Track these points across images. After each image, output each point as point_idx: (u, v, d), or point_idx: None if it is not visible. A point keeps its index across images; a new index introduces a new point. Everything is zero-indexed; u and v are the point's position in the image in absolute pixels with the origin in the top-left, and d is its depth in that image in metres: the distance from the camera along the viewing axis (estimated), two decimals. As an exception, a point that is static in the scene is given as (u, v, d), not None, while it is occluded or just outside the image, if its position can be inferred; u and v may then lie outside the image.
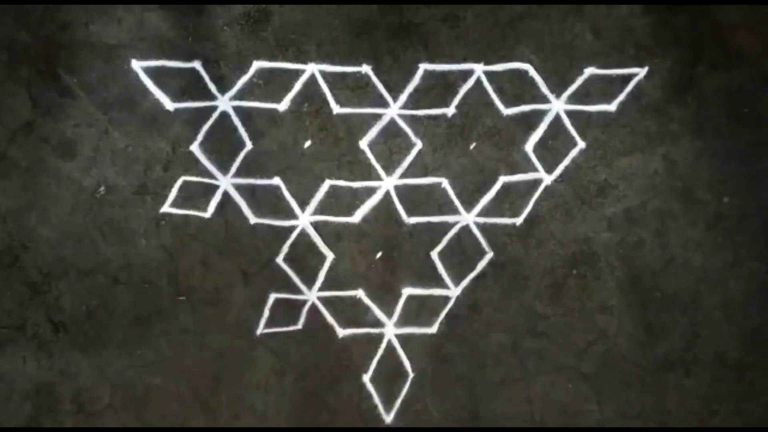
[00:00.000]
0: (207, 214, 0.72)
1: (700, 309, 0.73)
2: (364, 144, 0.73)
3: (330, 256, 0.73)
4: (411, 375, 0.72)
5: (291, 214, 0.73)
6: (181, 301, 0.72)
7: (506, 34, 0.73)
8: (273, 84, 0.73)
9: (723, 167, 0.73)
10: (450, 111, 0.73)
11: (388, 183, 0.73)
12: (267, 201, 0.73)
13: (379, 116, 0.73)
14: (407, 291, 0.73)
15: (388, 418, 0.72)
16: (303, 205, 0.73)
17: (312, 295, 0.73)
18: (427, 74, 0.73)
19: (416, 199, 0.73)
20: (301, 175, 0.73)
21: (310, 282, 0.73)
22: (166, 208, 0.72)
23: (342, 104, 0.73)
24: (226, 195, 0.72)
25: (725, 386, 0.73)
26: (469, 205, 0.73)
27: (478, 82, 0.73)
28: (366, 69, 0.73)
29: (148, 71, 0.72)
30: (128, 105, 0.72)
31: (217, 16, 0.72)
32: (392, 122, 0.73)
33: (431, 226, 0.73)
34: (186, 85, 0.72)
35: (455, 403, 0.73)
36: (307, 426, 0.72)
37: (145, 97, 0.72)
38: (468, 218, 0.73)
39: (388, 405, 0.72)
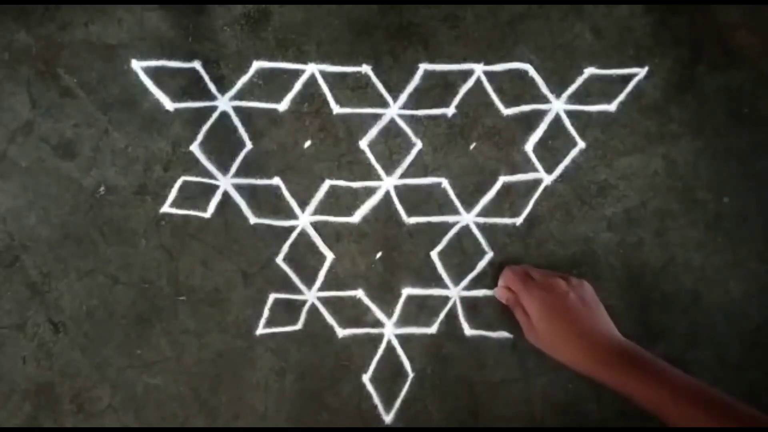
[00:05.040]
0: (207, 214, 0.72)
1: (700, 309, 0.73)
2: (364, 144, 0.73)
3: (330, 256, 0.73)
4: (411, 375, 0.72)
5: (291, 214, 0.73)
6: (181, 301, 0.72)
7: (506, 34, 0.73)
8: (273, 84, 0.73)
9: (723, 167, 0.73)
10: (450, 111, 0.73)
11: (388, 183, 0.73)
12: (267, 201, 0.73)
13: (379, 116, 0.73)
14: (407, 291, 0.73)
15: (388, 418, 0.72)
16: (303, 205, 0.73)
17: (312, 295, 0.73)
18: (427, 74, 0.73)
19: (416, 199, 0.73)
20: (301, 175, 0.73)
21: (310, 282, 0.73)
22: (166, 208, 0.72)
23: (342, 104, 0.73)
24: (226, 195, 0.72)
25: (725, 386, 0.73)
26: (469, 205, 0.73)
27: (478, 82, 0.73)
28: (366, 69, 0.73)
29: (148, 71, 0.72)
30: (128, 105, 0.72)
31: (217, 16, 0.72)
32: (392, 122, 0.73)
33: (431, 226, 0.73)
34: (186, 85, 0.72)
35: (455, 403, 0.73)
36: (307, 426, 0.72)
37: (145, 97, 0.72)
38: (468, 218, 0.73)
39: (387, 405, 0.72)
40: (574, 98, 0.73)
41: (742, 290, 0.73)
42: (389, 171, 0.73)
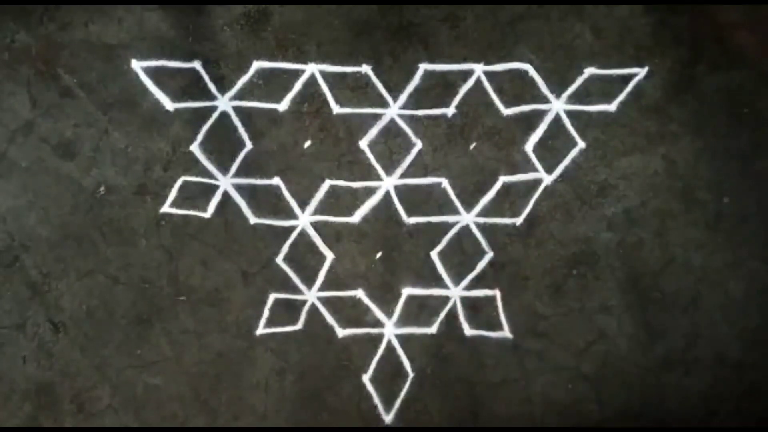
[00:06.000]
0: (207, 214, 0.72)
1: (700, 309, 0.73)
2: (364, 144, 0.73)
3: (330, 256, 0.73)
4: (411, 375, 0.72)
5: (291, 214, 0.73)
6: (181, 301, 0.72)
7: (506, 34, 0.73)
8: (273, 84, 0.73)
9: (723, 167, 0.73)
10: (450, 111, 0.73)
11: (388, 183, 0.73)
12: (267, 201, 0.73)
13: (379, 116, 0.73)
14: (407, 291, 0.73)
15: (388, 418, 0.72)
16: (303, 205, 0.73)
17: (312, 295, 0.73)
18: (427, 74, 0.73)
19: (416, 199, 0.73)
20: (301, 175, 0.73)
21: (310, 282, 0.73)
22: (166, 208, 0.72)
23: (342, 104, 0.73)
24: (226, 195, 0.72)
25: (725, 386, 0.73)
26: (469, 205, 0.73)
27: (478, 82, 0.73)
28: (366, 69, 0.73)
29: (148, 71, 0.72)
30: (128, 105, 0.72)
31: (217, 16, 0.72)
32: (392, 122, 0.73)
33: (431, 226, 0.73)
34: (186, 85, 0.72)
35: (455, 403, 0.73)
36: (307, 426, 0.72)
37: (145, 97, 0.72)
38: (468, 218, 0.73)
39: (387, 405, 0.72)
40: (574, 98, 0.73)
41: (742, 290, 0.73)
42: (389, 171, 0.73)
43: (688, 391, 0.73)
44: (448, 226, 0.73)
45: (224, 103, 0.72)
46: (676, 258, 0.73)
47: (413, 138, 0.73)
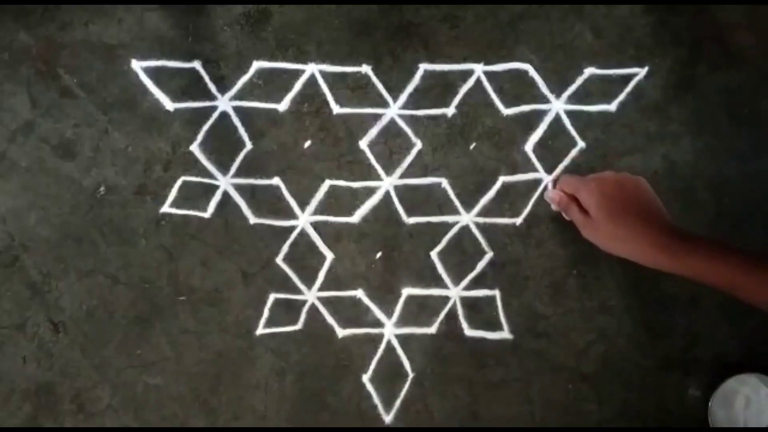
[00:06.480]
0: (207, 214, 0.72)
1: (700, 309, 0.73)
2: (364, 144, 0.73)
3: (330, 256, 0.73)
4: (411, 375, 0.72)
5: (291, 214, 0.73)
6: (181, 301, 0.72)
7: (506, 34, 0.73)
8: (273, 84, 0.73)
9: (723, 167, 0.73)
10: (450, 111, 0.73)
11: (387, 183, 0.73)
12: (267, 201, 0.73)
13: (379, 116, 0.73)
14: (407, 291, 0.73)
15: (388, 418, 0.72)
16: (303, 205, 0.73)
17: (312, 295, 0.73)
18: (427, 74, 0.73)
19: (416, 199, 0.73)
20: (301, 175, 0.73)
21: (309, 282, 0.73)
22: (166, 208, 0.72)
23: (342, 104, 0.73)
24: (226, 195, 0.72)
25: (725, 386, 0.73)
26: (469, 205, 0.73)
27: (478, 82, 0.73)
28: (366, 69, 0.73)
29: (148, 71, 0.72)
30: (128, 105, 0.72)
31: (217, 16, 0.73)
32: (392, 122, 0.73)
33: (431, 226, 0.73)
34: (186, 85, 0.72)
35: (455, 403, 0.73)
36: (307, 426, 0.72)
37: (145, 97, 0.72)
38: (468, 218, 0.73)
39: (387, 405, 0.72)
40: (574, 98, 0.73)
41: (742, 290, 0.73)
42: (389, 171, 0.73)
43: (688, 391, 0.73)
44: (448, 226, 0.73)
45: (224, 103, 0.72)
46: (676, 258, 0.73)
47: (413, 138, 0.73)
